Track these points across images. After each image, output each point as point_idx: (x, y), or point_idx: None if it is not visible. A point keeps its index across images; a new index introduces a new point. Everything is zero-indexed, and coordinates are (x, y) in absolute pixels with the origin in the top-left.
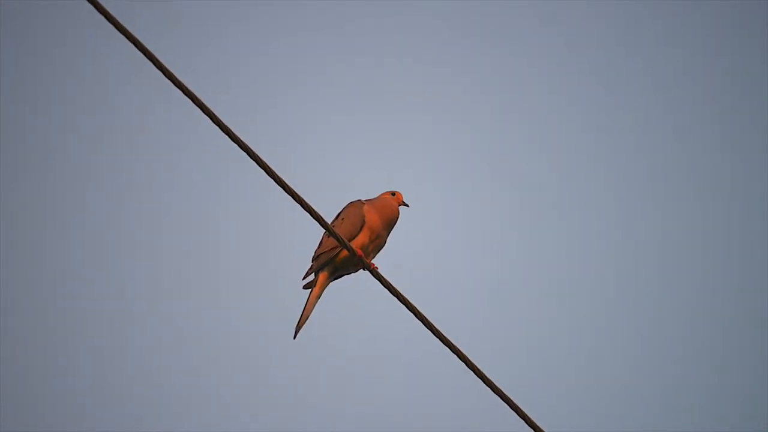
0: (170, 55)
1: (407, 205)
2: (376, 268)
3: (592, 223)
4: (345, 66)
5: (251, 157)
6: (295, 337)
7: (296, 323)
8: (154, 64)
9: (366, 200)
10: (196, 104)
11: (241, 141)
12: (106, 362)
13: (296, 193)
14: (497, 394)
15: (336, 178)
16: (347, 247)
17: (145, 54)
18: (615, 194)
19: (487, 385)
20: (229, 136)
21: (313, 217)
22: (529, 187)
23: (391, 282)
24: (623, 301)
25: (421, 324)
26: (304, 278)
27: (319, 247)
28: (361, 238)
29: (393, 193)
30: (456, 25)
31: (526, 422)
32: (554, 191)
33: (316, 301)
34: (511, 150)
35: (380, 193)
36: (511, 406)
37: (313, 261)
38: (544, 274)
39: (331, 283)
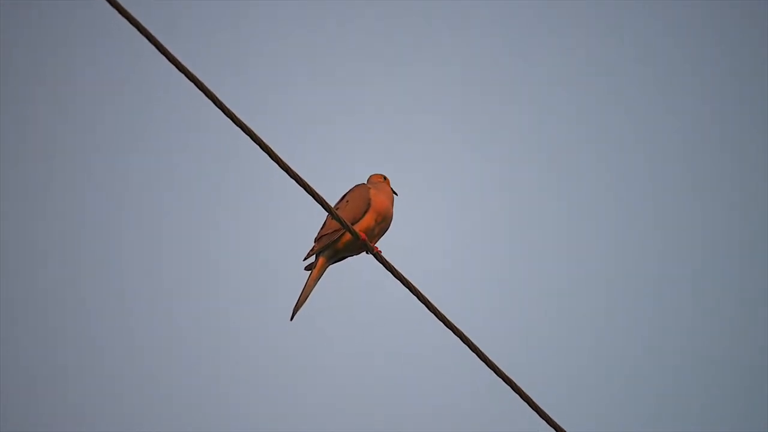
0: (176, 44)
1: (395, 194)
2: (380, 251)
3: (603, 215)
4: (349, 61)
5: (254, 141)
6: (292, 319)
7: (294, 304)
8: (159, 49)
9: (371, 184)
10: (199, 88)
11: (245, 125)
12: (106, 342)
13: (299, 176)
14: (501, 378)
15: (339, 166)
16: (350, 231)
17: (149, 39)
18: (619, 187)
19: (491, 368)
20: (233, 120)
21: (317, 200)
22: (534, 179)
23: (394, 265)
24: (634, 293)
25: (425, 307)
26: (304, 259)
27: (322, 228)
28: (366, 221)
29: (384, 177)
30: (461, 25)
31: (532, 407)
32: (559, 182)
33: (315, 283)
34: (514, 144)
35: (369, 176)
36: (513, 389)
37: (315, 242)
38: (547, 258)
39: (333, 265)
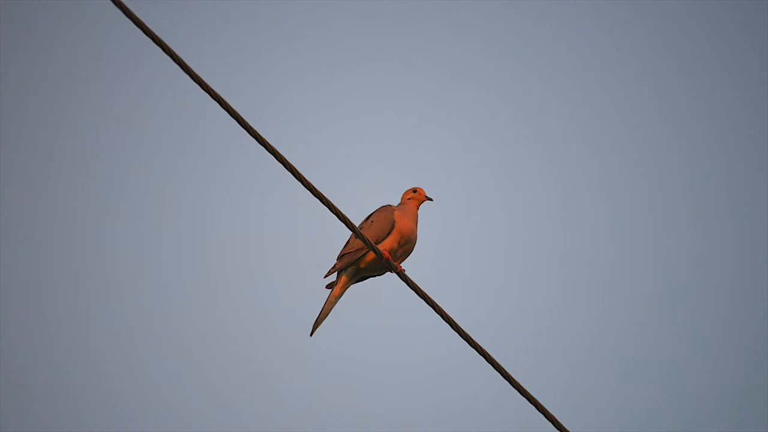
0: (190, 51)
1: (431, 199)
2: (403, 270)
3: (617, 220)
4: (365, 69)
5: (278, 160)
6: (311, 335)
7: (314, 321)
8: (184, 69)
9: (396, 206)
10: (223, 107)
11: (268, 143)
12: (118, 357)
13: (323, 195)
14: (525, 396)
15: (359, 179)
16: (374, 249)
17: (173, 58)
18: (627, 190)
19: (515, 387)
20: (257, 139)
21: (341, 220)
22: (548, 188)
23: (418, 285)
24: (639, 298)
25: (449, 327)
26: (326, 276)
27: (345, 246)
28: (390, 242)
29: (415, 190)
30: (471, 30)
31: (549, 420)
32: (571, 191)
33: (336, 301)
34: (526, 153)
35: (402, 193)
36: (536, 407)
37: (337, 260)
38: (572, 276)
39: (355, 285)
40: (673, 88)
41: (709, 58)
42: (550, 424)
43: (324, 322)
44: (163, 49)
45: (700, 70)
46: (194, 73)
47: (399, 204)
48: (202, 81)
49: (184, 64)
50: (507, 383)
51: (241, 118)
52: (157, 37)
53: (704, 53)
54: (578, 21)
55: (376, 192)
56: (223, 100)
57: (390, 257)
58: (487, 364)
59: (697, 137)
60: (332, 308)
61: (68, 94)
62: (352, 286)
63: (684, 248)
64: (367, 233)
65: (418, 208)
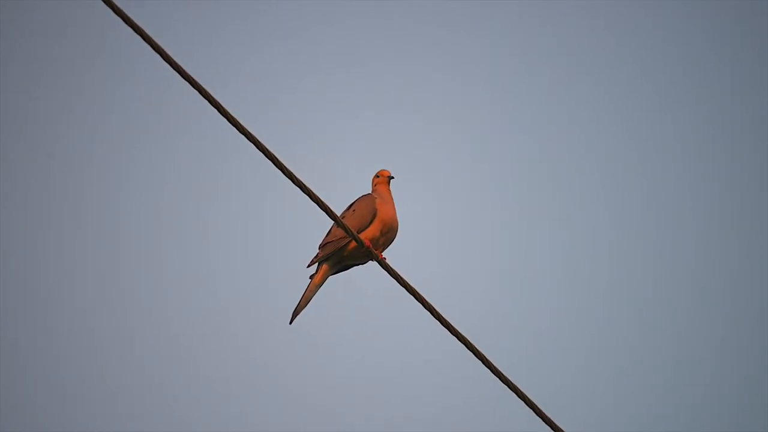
0: (176, 47)
1: (393, 177)
2: (384, 258)
3: (600, 214)
4: (348, 63)
5: (260, 149)
6: (291, 323)
7: (294, 309)
8: (162, 56)
9: (376, 195)
10: (203, 96)
11: (249, 132)
12: (104, 343)
13: (304, 184)
14: (505, 384)
15: (340, 169)
16: (355, 238)
17: (152, 46)
18: (619, 187)
19: (495, 375)
20: (237, 128)
21: (322, 209)
22: (535, 179)
23: (399, 273)
24: (633, 293)
25: (430, 315)
26: (308, 266)
27: (327, 236)
28: (372, 231)
29: (378, 175)
30: (460, 26)
31: (530, 407)
32: (560, 182)
33: (317, 289)
34: (515, 144)
35: (370, 180)
36: (517, 394)
37: (319, 249)
38: (551, 264)
39: (339, 273)
40: (673, 87)
41: (711, 57)
42: (531, 411)
43: (304, 310)
44: (144, 39)
45: (701, 70)
46: (166, 54)
47: (372, 192)
48: (175, 62)
49: (158, 47)
50: (488, 370)
51: (223, 109)
52: (143, 31)
53: (705, 53)
54: (577, 20)
55: (355, 182)
56: (203, 89)
57: (371, 246)
58: (468, 351)
59: (698, 137)
60: (312, 296)
61: (67, 94)
62: (333, 274)
63: (681, 245)
64: (350, 222)
65: (389, 190)
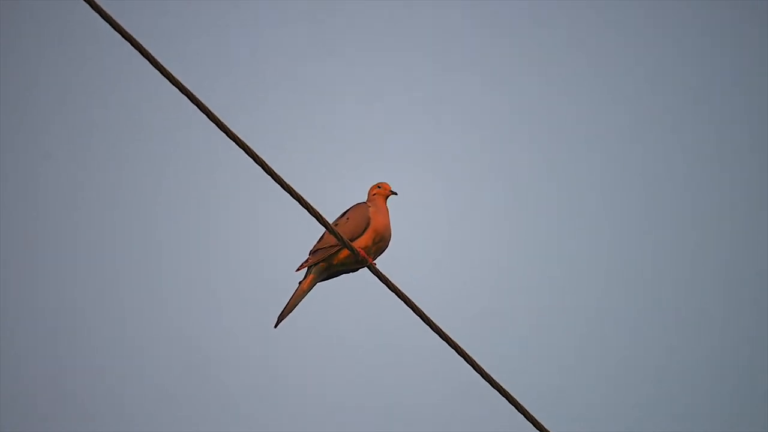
0: (164, 51)
1: (395, 194)
2: (374, 263)
3: (591, 217)
4: (342, 62)
5: (250, 156)
6: (276, 326)
7: (280, 312)
8: (150, 61)
9: (370, 203)
10: (192, 102)
11: (239, 138)
12: (100, 343)
13: (294, 191)
14: (495, 388)
15: (333, 174)
16: (348, 247)
17: (140, 52)
18: (612, 190)
19: (486, 379)
20: (227, 134)
21: (315, 218)
22: (526, 183)
23: (389, 278)
24: (624, 294)
25: (420, 320)
26: (297, 270)
27: (318, 242)
28: (365, 240)
29: (379, 186)
30: (458, 23)
31: (523, 415)
32: (552, 187)
33: (304, 295)
34: (509, 147)
35: (368, 189)
36: (509, 400)
37: (310, 255)
38: (541, 268)
39: (329, 280)
40: (672, 85)
41: (713, 57)
42: (522, 416)
43: (291, 314)
44: (135, 47)
45: (703, 69)
46: (155, 60)
47: (367, 200)
48: (163, 68)
49: (147, 52)
50: (478, 375)
51: (213, 115)
52: (131, 36)
53: (707, 53)
54: (579, 19)
55: (348, 189)
56: (192, 95)
57: (365, 255)
58: (459, 356)
59: (697, 137)
60: (300, 301)
61: (64, 94)
62: (322, 281)
63: (677, 245)
64: (343, 230)
65: (386, 203)
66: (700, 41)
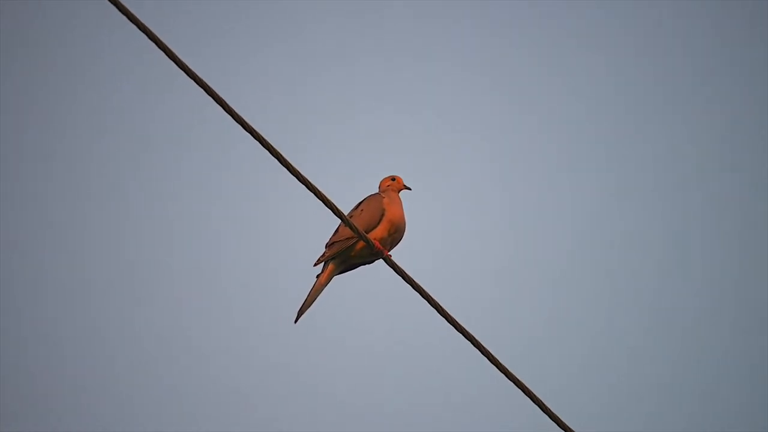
0: (182, 46)
1: (409, 188)
2: (390, 255)
3: (613, 217)
4: (357, 60)
5: (265, 147)
6: (296, 322)
7: (299, 308)
8: (167, 54)
9: (384, 195)
10: (208, 93)
11: (255, 130)
12: (113, 341)
13: (311, 183)
14: (512, 380)
15: (348, 168)
16: (364, 238)
17: (156, 44)
18: (623, 185)
19: (502, 371)
20: (242, 126)
21: (330, 208)
22: (544, 175)
23: (405, 270)
24: (637, 293)
25: (436, 312)
26: (315, 264)
27: (334, 235)
28: (380, 231)
29: (393, 178)
30: (465, 23)
31: (536, 404)
32: (571, 177)
33: (322, 289)
34: (526, 139)
35: (380, 181)
36: (525, 392)
37: (326, 248)
38: (556, 261)
39: (345, 273)
40: (677, 85)
41: (716, 57)
42: (537, 407)
43: (310, 309)
44: (151, 38)
45: (705, 69)
46: (171, 52)
47: (380, 192)
48: (179, 60)
49: (163, 45)
50: (494, 367)
51: (228, 107)
52: (148, 29)
53: (709, 53)
54: (579, 19)
55: (360, 181)
56: (208, 86)
57: (381, 247)
58: (474, 348)
59: (698, 137)
60: (318, 295)
61: (66, 93)
62: (339, 273)
63: (686, 242)
64: (357, 222)
65: (399, 196)
66: (708, 41)
